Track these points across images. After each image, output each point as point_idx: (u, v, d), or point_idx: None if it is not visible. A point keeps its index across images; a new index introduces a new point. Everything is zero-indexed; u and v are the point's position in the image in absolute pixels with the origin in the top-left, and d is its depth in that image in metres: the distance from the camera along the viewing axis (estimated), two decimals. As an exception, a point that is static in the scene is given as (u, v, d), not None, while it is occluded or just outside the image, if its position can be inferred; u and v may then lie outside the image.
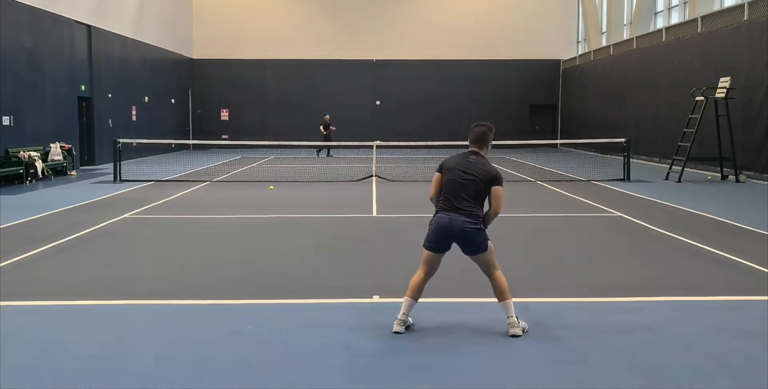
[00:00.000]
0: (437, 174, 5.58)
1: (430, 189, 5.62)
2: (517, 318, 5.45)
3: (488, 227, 5.53)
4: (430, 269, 5.58)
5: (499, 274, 5.54)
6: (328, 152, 29.97)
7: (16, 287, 6.99)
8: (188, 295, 6.75)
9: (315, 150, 30.07)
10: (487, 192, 5.45)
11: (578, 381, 4.53)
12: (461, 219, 5.36)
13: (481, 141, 5.56)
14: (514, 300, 6.71)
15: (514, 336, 5.34)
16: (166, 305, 6.42)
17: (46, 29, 20.94)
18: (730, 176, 18.06)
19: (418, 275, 5.56)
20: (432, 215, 5.56)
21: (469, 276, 6.78)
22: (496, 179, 5.43)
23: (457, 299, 6.60)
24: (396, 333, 5.42)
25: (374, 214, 12.34)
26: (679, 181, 17.67)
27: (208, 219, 11.81)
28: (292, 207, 13.18)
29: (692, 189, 16.33)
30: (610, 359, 4.95)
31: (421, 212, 12.55)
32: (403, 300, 5.51)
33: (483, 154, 5.56)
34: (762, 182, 17.38)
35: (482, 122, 5.71)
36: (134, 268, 7.97)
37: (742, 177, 17.67)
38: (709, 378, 4.59)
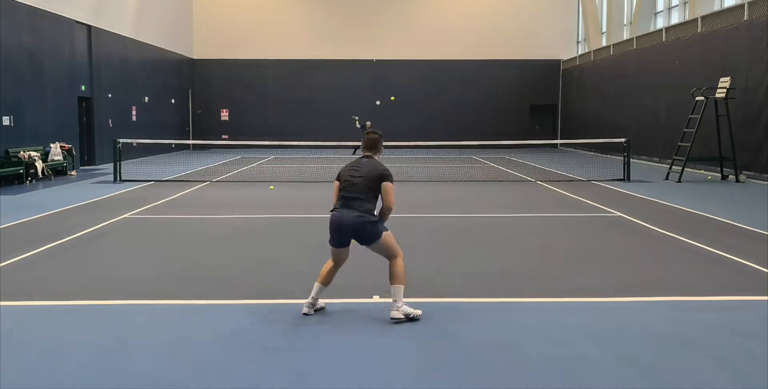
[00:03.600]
0: (336, 182, 6.14)
1: (333, 197, 6.15)
2: (403, 305, 5.77)
3: (386, 220, 6.03)
4: (338, 261, 6.12)
5: (398, 261, 5.91)
6: (354, 150, 30.76)
7: (16, 287, 6.99)
8: (188, 295, 6.75)
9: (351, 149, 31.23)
10: (378, 189, 5.94)
11: (578, 381, 4.53)
12: (352, 214, 5.86)
13: (374, 147, 6.19)
14: (515, 299, 6.71)
15: (393, 318, 5.72)
16: (166, 305, 6.42)
17: (46, 29, 20.94)
18: (730, 176, 18.06)
19: (328, 264, 6.12)
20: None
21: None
22: (384, 176, 5.95)
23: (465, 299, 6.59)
24: (305, 314, 5.92)
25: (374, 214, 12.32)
26: (679, 181, 17.67)
27: (208, 219, 11.81)
28: (292, 207, 13.18)
29: (692, 189, 16.33)
30: (610, 359, 4.94)
31: (421, 212, 12.56)
32: (314, 285, 6.02)
33: (375, 157, 6.15)
34: (762, 182, 17.38)
35: (374, 130, 6.40)
36: (134, 268, 7.96)
37: (742, 177, 17.67)
38: (709, 378, 4.59)
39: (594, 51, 32.57)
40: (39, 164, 18.28)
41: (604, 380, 4.56)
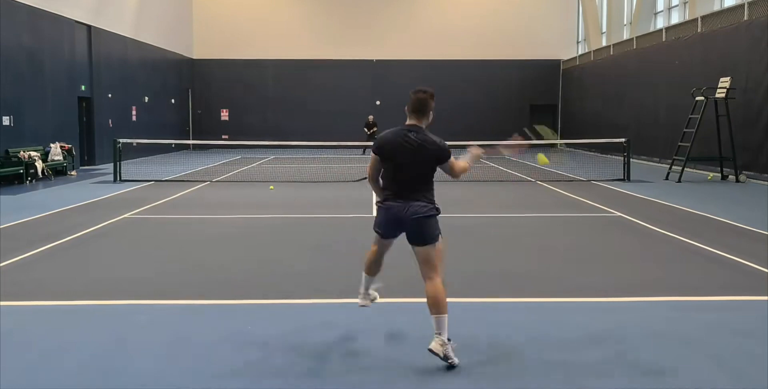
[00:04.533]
0: (374, 155, 5.05)
1: (368, 170, 5.15)
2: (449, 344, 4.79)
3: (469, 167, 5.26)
4: (385, 249, 5.31)
5: (439, 280, 4.86)
6: (363, 150, 31.08)
7: (16, 287, 6.99)
8: (188, 295, 6.75)
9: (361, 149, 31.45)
10: (435, 170, 5.02)
11: (578, 382, 4.53)
12: (417, 205, 4.90)
13: (424, 112, 5.01)
14: (515, 299, 6.69)
15: (435, 351, 4.71)
16: (166, 305, 6.42)
17: (46, 29, 20.94)
18: (730, 176, 18.05)
19: (372, 252, 5.32)
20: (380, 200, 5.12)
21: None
22: (448, 152, 5.00)
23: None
24: (362, 306, 5.56)
25: (374, 214, 12.32)
26: (679, 181, 17.67)
27: (208, 219, 11.81)
28: (292, 207, 13.18)
29: (692, 189, 16.32)
30: (611, 359, 4.94)
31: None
32: (363, 276, 5.45)
33: (424, 126, 5.02)
34: (762, 182, 17.38)
35: (424, 88, 5.11)
36: (134, 268, 7.96)
37: (742, 177, 17.67)
38: (709, 378, 4.59)
39: (594, 51, 32.57)
40: (39, 164, 18.28)
41: (604, 380, 4.56)
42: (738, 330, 5.57)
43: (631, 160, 19.01)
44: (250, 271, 7.86)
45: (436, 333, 4.71)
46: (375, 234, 5.24)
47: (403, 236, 5.08)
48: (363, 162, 23.01)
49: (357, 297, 5.59)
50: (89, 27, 24.04)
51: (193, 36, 36.57)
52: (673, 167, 18.63)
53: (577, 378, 4.58)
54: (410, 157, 4.88)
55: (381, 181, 5.10)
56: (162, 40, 31.47)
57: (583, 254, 8.79)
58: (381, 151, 4.98)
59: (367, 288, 5.51)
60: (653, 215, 11.96)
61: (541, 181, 18.12)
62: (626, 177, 18.15)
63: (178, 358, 4.98)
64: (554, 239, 9.82)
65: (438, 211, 4.99)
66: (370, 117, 32.57)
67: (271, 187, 16.65)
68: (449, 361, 4.69)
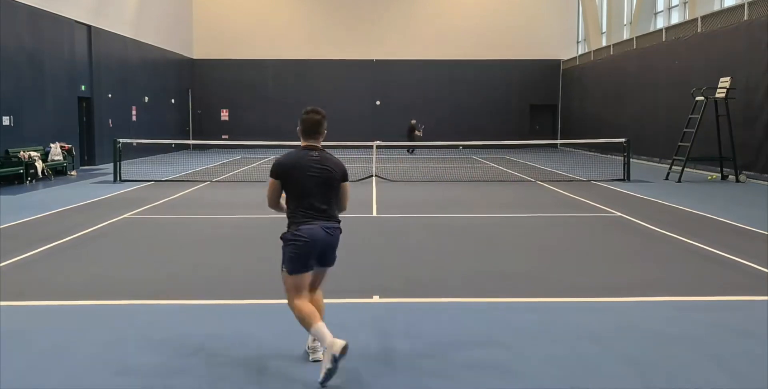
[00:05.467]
0: (273, 180, 4.80)
1: (269, 195, 4.87)
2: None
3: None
4: (308, 286, 4.82)
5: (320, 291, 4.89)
6: (412, 150, 32.17)
7: (16, 287, 6.99)
8: (188, 295, 6.75)
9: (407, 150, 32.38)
10: (339, 190, 4.85)
11: (578, 382, 4.53)
12: (329, 226, 4.75)
13: (321, 133, 4.90)
14: (515, 299, 6.69)
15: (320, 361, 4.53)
16: (166, 305, 6.42)
17: (46, 29, 20.93)
18: (730, 176, 18.06)
19: (304, 298, 4.76)
20: (288, 230, 4.77)
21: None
22: (347, 174, 4.90)
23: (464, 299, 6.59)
24: (316, 361, 4.73)
25: (374, 214, 12.34)
26: (679, 181, 17.67)
27: (208, 219, 11.81)
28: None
29: (692, 189, 16.33)
30: (610, 359, 4.94)
31: (421, 212, 12.56)
32: (312, 331, 4.60)
33: (320, 147, 4.89)
34: (762, 182, 17.38)
35: (316, 108, 4.99)
36: (134, 268, 7.96)
37: (742, 177, 17.67)
38: (710, 378, 4.59)
39: (594, 51, 32.58)
40: (39, 164, 18.28)
41: (604, 380, 4.56)
42: (738, 330, 5.57)
43: (631, 160, 19.01)
44: (249, 271, 7.86)
45: (314, 341, 4.75)
46: (292, 281, 4.73)
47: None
48: (363, 162, 23.00)
49: (309, 352, 4.88)
50: (89, 27, 24.04)
51: (193, 36, 36.57)
52: (673, 167, 18.63)
53: (577, 378, 4.58)
54: (318, 178, 4.75)
55: (286, 205, 4.87)
56: (162, 40, 31.47)
57: (583, 254, 8.79)
58: (285, 175, 4.76)
59: (323, 338, 4.51)
60: (653, 215, 11.96)
61: (541, 181, 18.12)
62: (626, 177, 18.15)
63: (178, 358, 4.97)
64: (554, 239, 9.82)
65: (341, 230, 4.90)
66: (413, 121, 33.09)
67: None
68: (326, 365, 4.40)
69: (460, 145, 31.41)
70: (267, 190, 4.88)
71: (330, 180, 4.78)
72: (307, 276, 4.77)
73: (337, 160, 4.90)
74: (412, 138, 32.12)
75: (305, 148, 4.86)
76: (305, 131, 4.88)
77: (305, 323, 4.64)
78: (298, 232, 4.69)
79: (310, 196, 4.74)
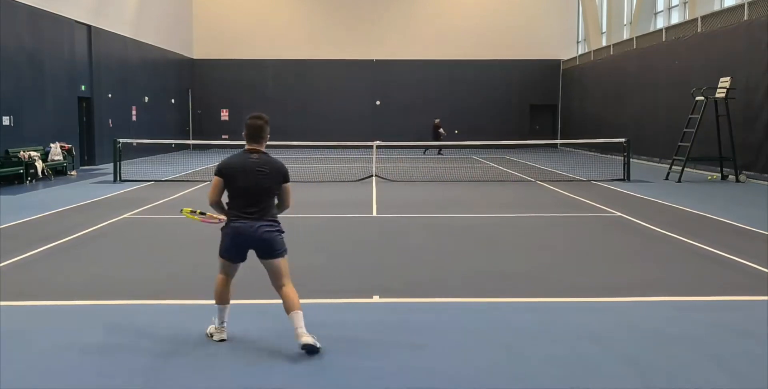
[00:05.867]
0: (217, 178, 5.30)
1: (211, 193, 5.37)
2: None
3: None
4: (232, 274, 5.46)
5: (291, 284, 5.24)
6: (440, 151, 31.84)
7: (16, 287, 6.99)
8: (188, 295, 6.75)
9: (434, 150, 32.03)
10: (278, 191, 5.34)
11: (578, 382, 4.53)
12: (261, 224, 5.21)
13: (264, 137, 5.33)
14: (515, 299, 6.70)
15: (308, 344, 4.91)
16: (166, 305, 6.42)
17: (46, 29, 20.93)
18: (730, 176, 18.06)
19: (222, 280, 5.38)
20: (225, 222, 5.34)
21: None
22: (287, 176, 5.33)
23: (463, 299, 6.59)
24: (223, 340, 5.28)
25: (374, 214, 12.34)
26: (679, 181, 17.67)
27: (208, 219, 11.79)
28: (292, 207, 13.12)
29: (692, 189, 16.33)
30: (610, 359, 4.94)
31: (421, 212, 12.56)
32: (218, 308, 5.36)
33: (263, 150, 5.29)
34: (762, 182, 17.38)
35: (259, 114, 5.48)
36: (134, 268, 7.96)
37: (742, 177, 17.67)
38: (710, 378, 4.59)
39: (594, 51, 32.58)
40: (39, 164, 18.28)
41: (604, 380, 4.56)
42: (738, 330, 5.57)
43: (631, 160, 19.02)
44: (249, 271, 7.84)
45: (297, 327, 4.99)
46: (221, 262, 5.38)
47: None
48: (363, 162, 23.02)
49: (211, 330, 5.36)
50: (89, 27, 24.04)
51: (193, 36, 36.57)
52: (673, 167, 18.63)
53: (577, 378, 4.58)
54: (258, 179, 5.16)
55: (225, 204, 5.37)
56: (162, 40, 31.47)
57: (583, 254, 8.79)
58: (228, 175, 5.23)
59: (222, 320, 5.33)
60: (653, 215, 11.96)
61: (541, 181, 18.12)
62: (626, 177, 18.16)
63: (178, 358, 4.97)
64: (554, 239, 9.82)
65: (283, 231, 5.37)
66: (437, 120, 32.85)
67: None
68: (317, 346, 4.92)
69: (456, 130, 31.61)
70: (210, 187, 5.34)
71: (268, 182, 5.19)
72: (235, 266, 5.39)
73: (279, 163, 5.28)
74: (437, 137, 31.54)
75: (248, 151, 5.26)
76: (249, 135, 5.30)
77: (215, 297, 5.36)
78: (226, 229, 5.27)
79: (247, 195, 5.19)
